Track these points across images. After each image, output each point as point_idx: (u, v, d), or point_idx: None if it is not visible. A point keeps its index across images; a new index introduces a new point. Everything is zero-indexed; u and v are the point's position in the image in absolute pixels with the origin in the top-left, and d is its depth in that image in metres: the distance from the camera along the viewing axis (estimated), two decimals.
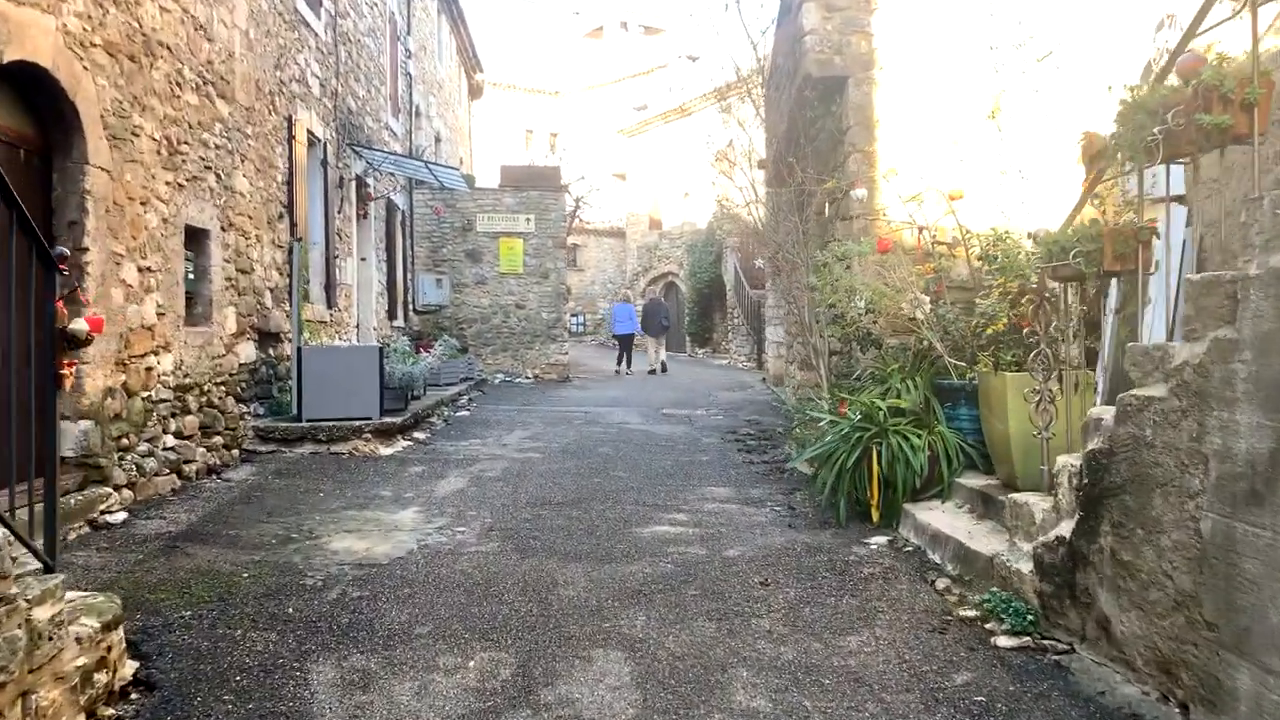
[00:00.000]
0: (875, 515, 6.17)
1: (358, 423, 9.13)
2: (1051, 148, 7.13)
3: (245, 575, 5.05)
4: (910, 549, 5.61)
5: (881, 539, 5.87)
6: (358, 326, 14.09)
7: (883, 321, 7.05)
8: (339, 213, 12.75)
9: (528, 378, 18.73)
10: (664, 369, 21.32)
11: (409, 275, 18.23)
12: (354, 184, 13.62)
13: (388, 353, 10.69)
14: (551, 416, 12.48)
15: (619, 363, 21.80)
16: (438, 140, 22.01)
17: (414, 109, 18.94)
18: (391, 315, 16.35)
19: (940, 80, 7.66)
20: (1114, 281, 5.02)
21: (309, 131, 11.23)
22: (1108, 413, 3.75)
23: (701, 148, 31.44)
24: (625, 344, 21.95)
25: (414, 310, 18.61)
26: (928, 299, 6.57)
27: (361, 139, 14.02)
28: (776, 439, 10.45)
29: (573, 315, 34.14)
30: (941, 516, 5.71)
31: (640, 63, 41.62)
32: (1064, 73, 6.76)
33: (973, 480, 5.97)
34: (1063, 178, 7.07)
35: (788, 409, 12.54)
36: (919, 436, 6.09)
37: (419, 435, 10.21)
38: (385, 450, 9.11)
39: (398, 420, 9.67)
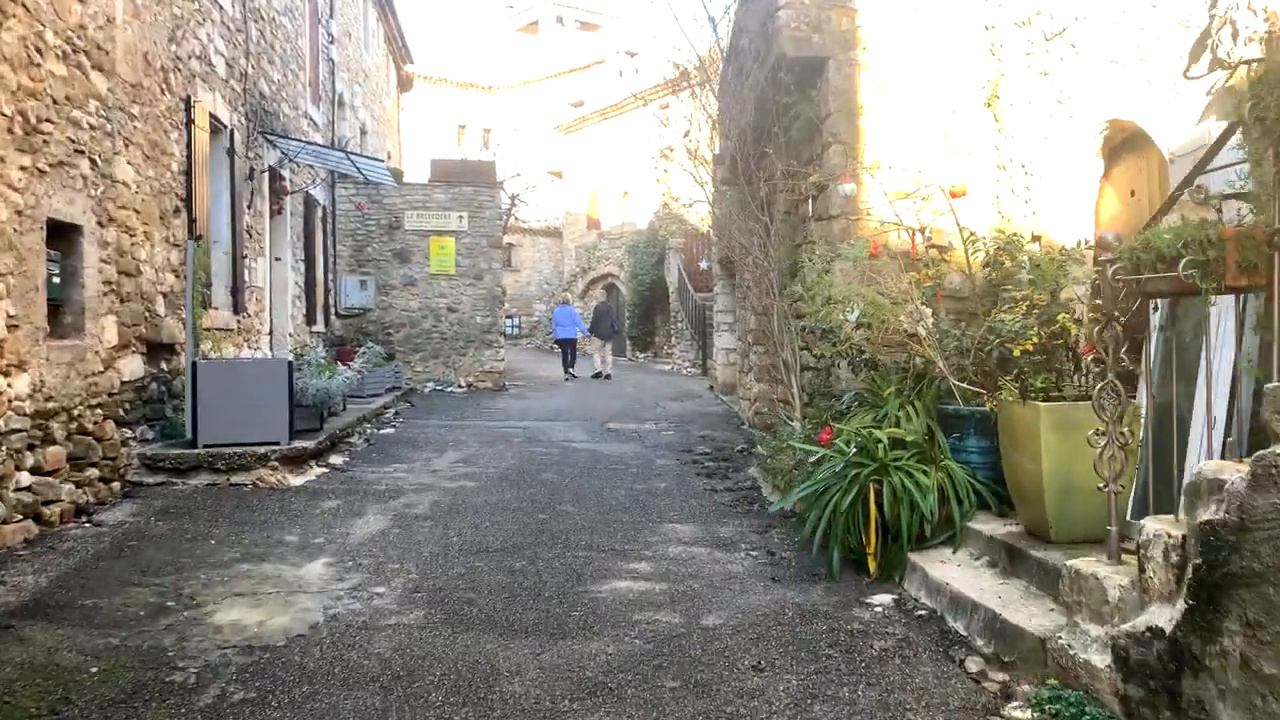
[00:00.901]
0: (873, 566, 5.25)
1: (263, 449, 7.94)
2: (1061, 139, 6.30)
3: (94, 670, 3.90)
4: (923, 612, 4.69)
5: (886, 598, 4.94)
6: (270, 334, 12.80)
7: (874, 336, 6.14)
8: (249, 208, 11.47)
9: (460, 386, 17.55)
10: (608, 377, 20.80)
11: (330, 276, 16.92)
12: (266, 176, 12.33)
13: (300, 365, 9.49)
14: (488, 433, 11.38)
15: (566, 368, 21.06)
16: (363, 132, 20.67)
17: (337, 98, 17.63)
18: (310, 320, 15.05)
19: (931, 64, 6.80)
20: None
21: (212, 116, 9.95)
22: (1231, 472, 2.85)
23: (642, 145, 30.58)
24: (569, 348, 21.29)
25: (336, 314, 17.31)
26: (929, 311, 5.68)
27: (276, 127, 12.74)
28: (737, 460, 9.53)
29: (507, 317, 32.94)
30: (957, 571, 4.81)
31: (577, 58, 40.51)
32: (1079, 52, 5.94)
33: (987, 525, 5.09)
34: (1074, 173, 6.25)
35: (746, 425, 11.64)
36: (926, 474, 5.18)
37: (336, 460, 9.04)
38: (295, 480, 7.93)
39: (310, 444, 8.50)
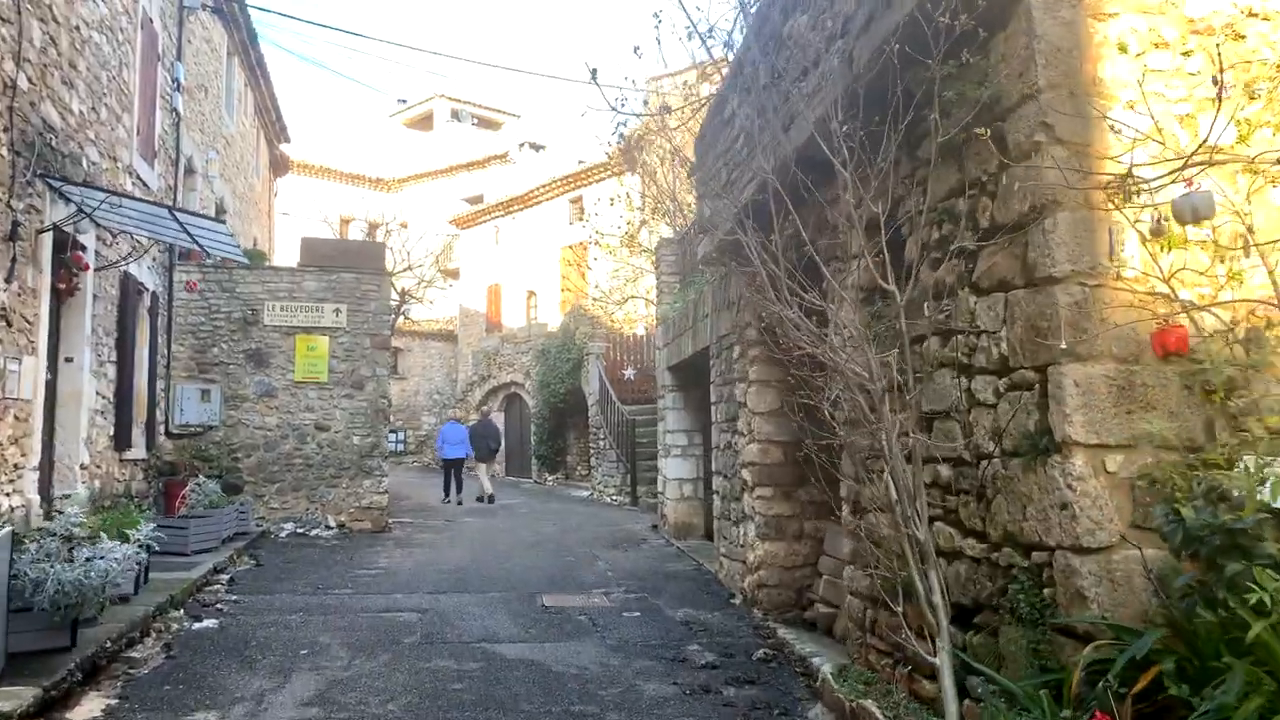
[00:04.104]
0: None
1: None
2: None
3: None
4: None
5: None
6: (48, 467, 8.77)
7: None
8: (7, 281, 7.59)
9: (330, 527, 13.48)
10: (491, 499, 18.25)
11: (160, 385, 12.84)
12: (49, 240, 8.48)
13: (26, 545, 5.51)
14: (364, 626, 7.50)
15: (447, 491, 18.33)
16: (221, 211, 16.83)
17: (183, 161, 13.87)
18: (122, 444, 10.92)
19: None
20: None
21: None
22: None
23: (552, 240, 27.48)
24: (455, 470, 18.48)
25: (168, 434, 13.15)
26: None
27: (75, 175, 8.96)
28: (769, 680, 6.03)
29: (391, 431, 28.76)
30: None
31: (475, 153, 37.64)
32: None
33: None
34: None
35: (740, 600, 8.13)
36: None
37: (100, 702, 5.11)
38: None
39: (43, 684, 4.59)
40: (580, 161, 28.95)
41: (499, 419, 26.71)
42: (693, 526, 12.66)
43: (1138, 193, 3.60)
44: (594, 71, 5.98)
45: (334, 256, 14.63)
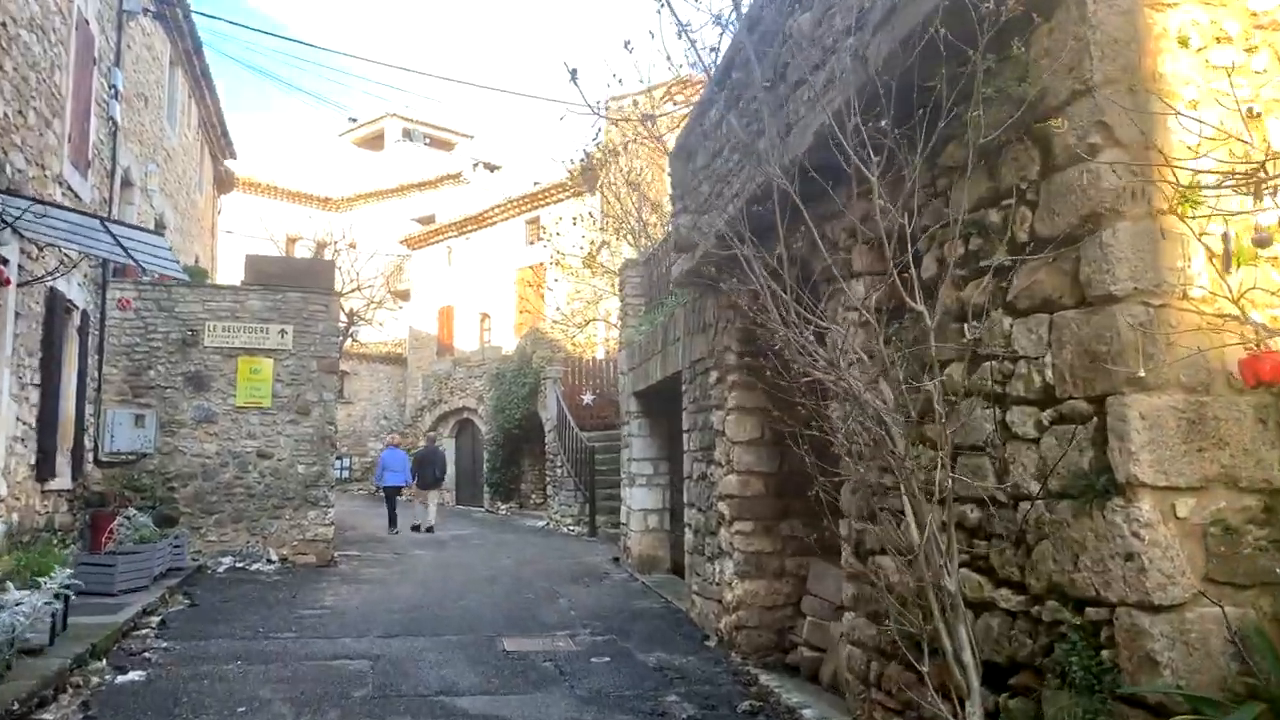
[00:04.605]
0: None
1: None
2: None
3: None
4: None
5: None
6: None
7: None
8: None
9: (272, 561, 12.69)
10: (430, 530, 17.69)
11: (89, 409, 12.01)
12: None
13: None
14: (309, 677, 6.83)
15: (392, 521, 17.83)
16: (161, 226, 16.00)
17: (120, 172, 13.11)
18: (44, 474, 10.09)
19: None
20: None
21: None
22: None
23: (508, 262, 26.89)
24: (394, 497, 18.03)
25: (97, 462, 12.30)
26: None
27: None
28: None
29: (337, 458, 27.78)
30: None
31: (427, 173, 36.94)
32: None
33: None
34: None
35: (715, 642, 7.62)
36: None
37: None
38: None
39: None
40: (536, 183, 28.47)
41: (449, 445, 25.95)
42: (658, 560, 12.12)
43: (1201, 202, 3.20)
44: (574, 72, 5.52)
45: (280, 275, 13.92)
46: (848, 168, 4.14)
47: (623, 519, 12.97)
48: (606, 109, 19.58)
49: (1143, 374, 3.07)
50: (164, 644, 7.72)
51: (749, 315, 7.20)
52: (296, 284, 13.76)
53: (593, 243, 17.95)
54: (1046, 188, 3.50)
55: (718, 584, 8.06)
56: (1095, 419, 3.24)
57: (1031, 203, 3.60)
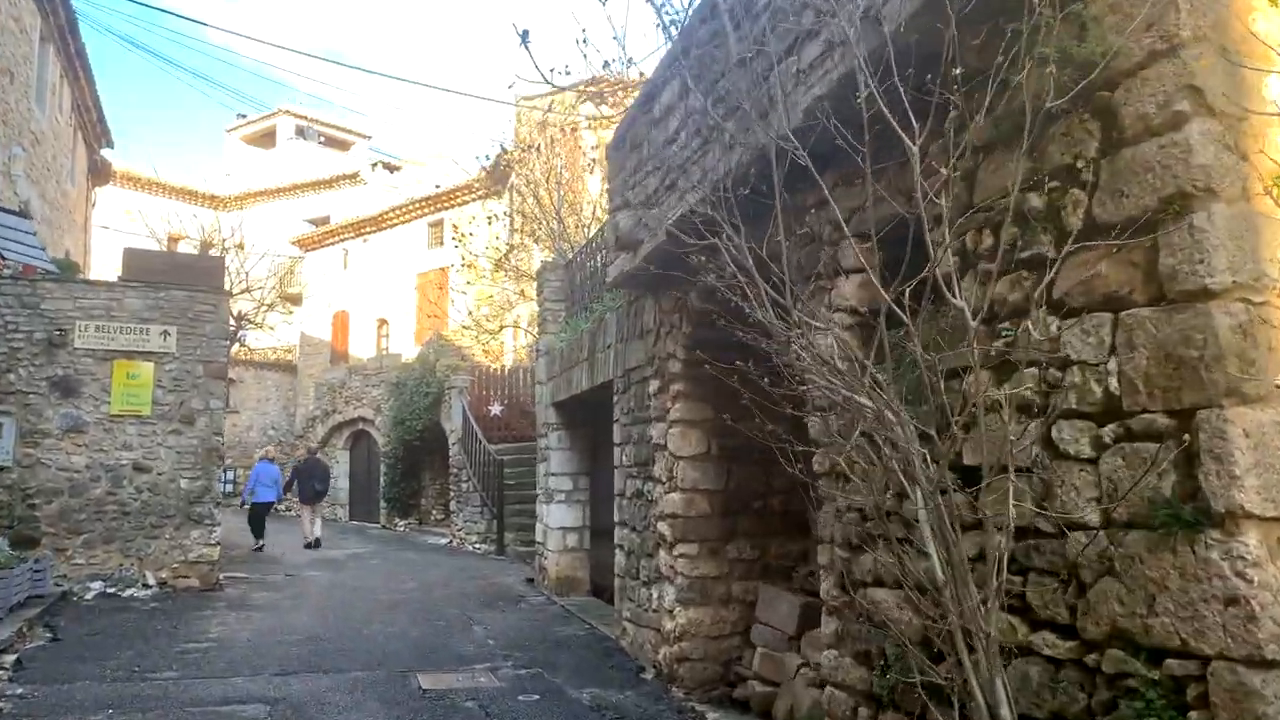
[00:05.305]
0: None
1: None
2: None
3: None
4: None
5: None
6: None
7: None
8: None
9: (148, 586, 11.47)
10: (318, 544, 16.75)
11: None
12: None
13: None
14: None
15: (259, 538, 16.54)
16: (24, 214, 14.51)
17: None
18: None
19: None
20: None
21: None
22: None
23: (408, 266, 25.77)
24: (266, 513, 16.83)
25: None
26: None
27: None
28: None
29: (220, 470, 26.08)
30: None
31: (322, 171, 35.40)
32: None
33: None
34: None
35: (653, 675, 6.99)
36: None
37: None
38: None
39: None
40: (438, 185, 27.48)
41: (343, 458, 24.65)
42: (577, 581, 11.41)
43: None
44: (525, 33, 4.85)
45: (164, 271, 12.70)
46: (860, 144, 3.57)
47: (538, 537, 12.21)
48: (518, 106, 18.86)
49: (1251, 384, 2.59)
50: (19, 690, 6.63)
51: (704, 317, 6.64)
52: (183, 282, 12.56)
53: (497, 248, 17.16)
54: (1110, 166, 3.01)
55: (656, 611, 7.42)
56: (1180, 436, 2.75)
57: (1087, 183, 3.11)
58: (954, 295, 3.16)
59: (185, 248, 32.32)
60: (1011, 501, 3.23)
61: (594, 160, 15.41)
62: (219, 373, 12.83)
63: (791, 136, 4.16)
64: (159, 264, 13.27)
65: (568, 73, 4.20)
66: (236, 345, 23.47)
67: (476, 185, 21.87)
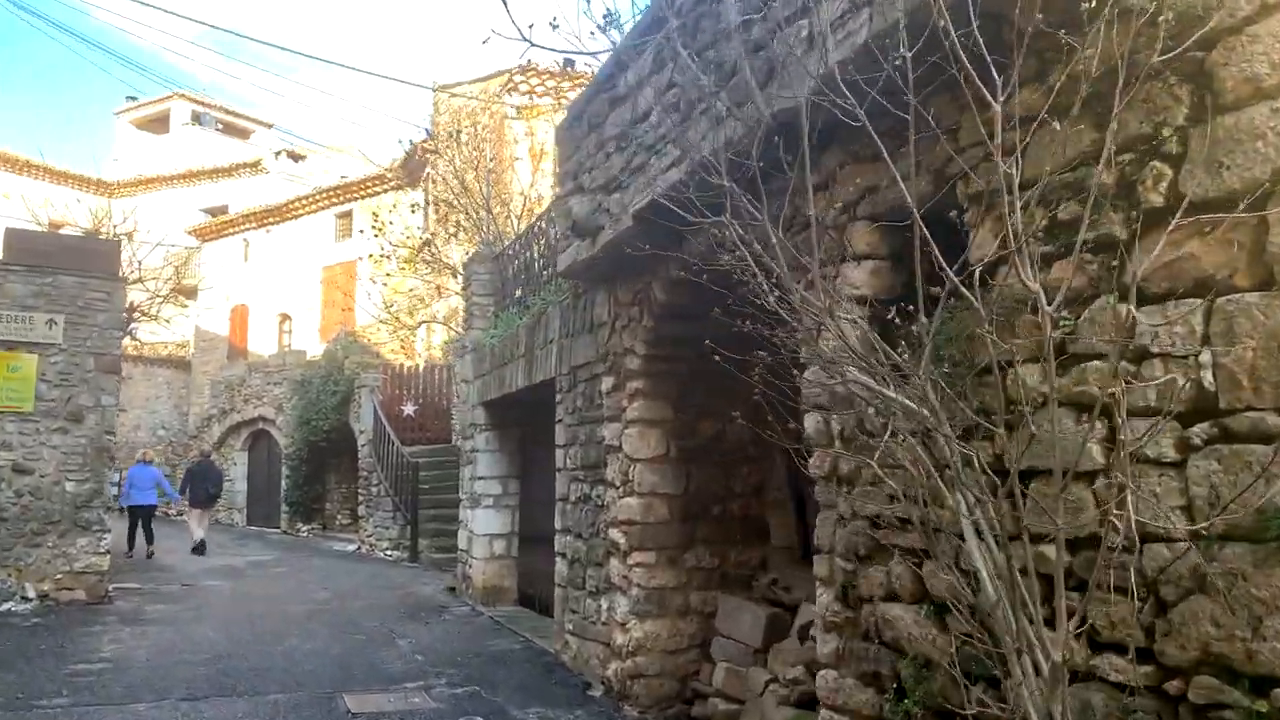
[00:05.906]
0: None
1: None
2: None
3: None
4: None
5: None
6: None
7: None
8: None
9: (28, 599, 10.41)
10: (202, 546, 15.90)
11: None
12: None
13: None
14: None
15: (131, 544, 15.28)
16: None
17: None
18: None
19: None
20: None
21: None
22: None
23: (313, 259, 24.61)
24: (144, 518, 15.52)
25: None
26: None
27: None
28: None
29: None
30: None
31: (220, 159, 33.77)
32: None
33: None
34: None
35: (601, 693, 6.52)
36: None
37: None
38: None
39: None
40: (343, 176, 26.42)
41: (241, 459, 23.40)
42: (504, 590, 10.83)
43: None
44: None
45: (52, 254, 11.62)
46: (898, 107, 3.19)
47: (462, 544, 11.57)
48: (437, 96, 18.16)
49: None
50: None
51: (669, 310, 6.21)
52: (72, 266, 11.52)
53: (431, 232, 16.43)
54: (1203, 135, 2.70)
55: (605, 623, 6.94)
56: None
57: (1171, 155, 2.79)
58: (1028, 280, 2.79)
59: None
60: (1062, 509, 2.90)
61: (526, 150, 14.89)
62: (112, 366, 11.82)
63: (804, 107, 3.76)
64: (46, 246, 12.19)
65: (555, 26, 3.70)
66: (127, 339, 22.02)
67: (389, 175, 21.01)
